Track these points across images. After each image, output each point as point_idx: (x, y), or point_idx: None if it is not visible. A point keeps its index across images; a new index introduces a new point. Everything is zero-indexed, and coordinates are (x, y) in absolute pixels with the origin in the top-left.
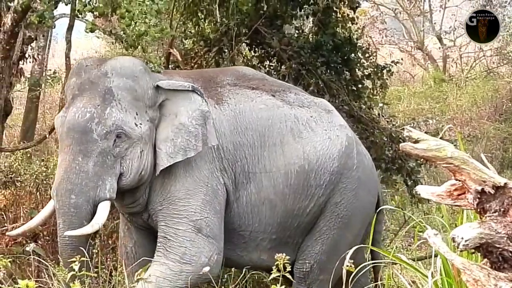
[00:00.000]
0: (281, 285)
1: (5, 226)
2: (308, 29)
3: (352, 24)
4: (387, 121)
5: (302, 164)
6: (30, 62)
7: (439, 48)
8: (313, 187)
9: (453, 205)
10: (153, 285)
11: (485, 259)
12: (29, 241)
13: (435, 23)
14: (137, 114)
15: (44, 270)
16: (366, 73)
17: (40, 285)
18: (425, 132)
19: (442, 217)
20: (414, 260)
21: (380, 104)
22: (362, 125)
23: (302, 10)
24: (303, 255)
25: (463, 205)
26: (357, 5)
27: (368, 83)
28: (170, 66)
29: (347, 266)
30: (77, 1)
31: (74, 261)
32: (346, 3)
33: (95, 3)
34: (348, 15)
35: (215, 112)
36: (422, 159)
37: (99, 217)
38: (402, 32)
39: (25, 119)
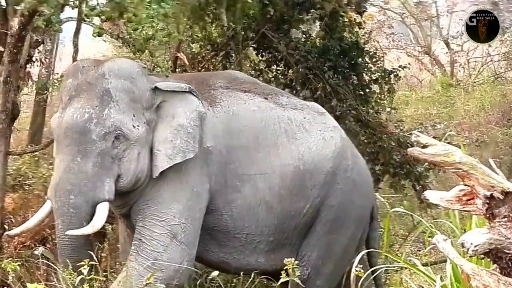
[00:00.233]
0: None
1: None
2: (315, 34)
3: (359, 28)
4: (395, 126)
5: (297, 165)
6: (37, 65)
7: (447, 53)
8: (308, 188)
9: (462, 210)
10: None
11: (495, 265)
12: (37, 245)
13: (442, 28)
14: (134, 116)
15: (52, 273)
16: (374, 78)
17: None
18: (433, 137)
19: (451, 222)
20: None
21: (388, 109)
22: (369, 129)
23: (309, 15)
24: (302, 261)
25: (472, 210)
26: (364, 9)
27: (375, 87)
28: (177, 70)
29: (356, 271)
30: (84, 5)
31: (81, 264)
32: (353, 7)
33: (102, 7)
34: (355, 19)
35: (208, 114)
36: (430, 164)
37: (99, 218)
38: (409, 37)
39: (32, 122)
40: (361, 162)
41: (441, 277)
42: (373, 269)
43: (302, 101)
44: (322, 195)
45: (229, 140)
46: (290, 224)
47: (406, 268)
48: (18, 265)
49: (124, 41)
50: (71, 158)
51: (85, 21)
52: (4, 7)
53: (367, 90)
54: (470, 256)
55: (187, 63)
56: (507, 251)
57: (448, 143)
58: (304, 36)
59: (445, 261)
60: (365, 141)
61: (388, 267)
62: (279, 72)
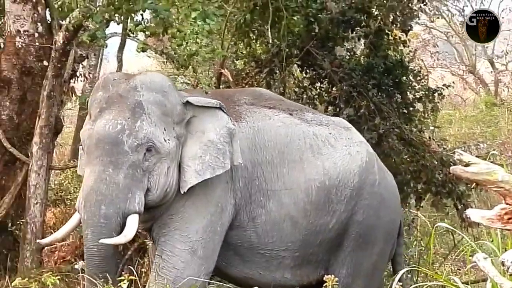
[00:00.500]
0: None
1: (55, 244)
2: (359, 51)
3: (404, 47)
4: (438, 145)
5: (323, 180)
6: (81, 80)
7: (491, 72)
8: (334, 203)
9: (503, 229)
10: None
11: None
12: (77, 259)
13: (487, 47)
14: (165, 130)
15: None
16: (418, 96)
17: None
18: (476, 156)
19: (492, 241)
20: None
21: (431, 127)
22: (412, 148)
23: (354, 32)
24: None
25: None
26: (409, 28)
27: (419, 106)
28: (221, 86)
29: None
30: (129, 21)
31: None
32: (398, 25)
33: (147, 23)
34: (400, 37)
35: (236, 129)
36: (472, 183)
37: (131, 229)
38: (454, 56)
39: (75, 137)
40: (388, 177)
41: None
42: (414, 286)
43: (328, 117)
44: (349, 210)
45: (254, 155)
46: (316, 239)
47: (446, 286)
48: (58, 279)
49: (168, 56)
50: (103, 169)
51: (129, 36)
52: (49, 22)
53: (411, 109)
54: (510, 275)
55: (231, 79)
56: None
57: (491, 162)
58: (348, 53)
59: (485, 279)
60: (408, 159)
61: (429, 285)
62: (323, 89)
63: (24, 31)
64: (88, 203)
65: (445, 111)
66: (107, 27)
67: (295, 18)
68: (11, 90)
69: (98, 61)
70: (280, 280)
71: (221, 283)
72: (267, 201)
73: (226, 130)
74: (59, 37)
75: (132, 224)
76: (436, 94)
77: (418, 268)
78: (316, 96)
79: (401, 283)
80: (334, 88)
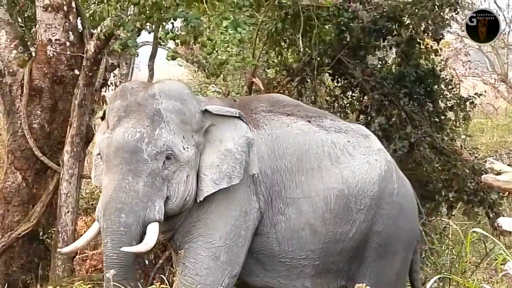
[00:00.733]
0: None
1: (86, 253)
2: (391, 60)
3: (436, 55)
4: (470, 153)
5: (341, 188)
6: (112, 89)
7: None
8: (353, 212)
9: None
10: None
11: None
12: None
13: None
14: (184, 138)
15: None
16: (449, 105)
17: None
18: (508, 165)
19: None
20: None
21: (463, 136)
22: (444, 156)
23: (386, 41)
24: None
25: None
26: (440, 36)
27: (451, 115)
28: (252, 94)
29: None
30: (160, 29)
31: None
32: (430, 34)
33: (177, 31)
34: (431, 46)
35: (254, 138)
36: (504, 191)
37: (151, 237)
38: (485, 65)
39: None
40: (407, 185)
41: None
42: None
43: (347, 124)
44: (368, 220)
45: (273, 162)
46: (336, 248)
47: None
48: (89, 287)
49: (199, 65)
50: (122, 177)
51: (160, 45)
52: (80, 30)
53: (443, 117)
54: None
55: (262, 88)
56: None
57: None
58: (380, 62)
59: None
60: (440, 168)
61: None
62: (354, 98)
63: (56, 40)
64: (108, 211)
65: (477, 120)
66: (139, 35)
67: (326, 26)
68: (43, 99)
69: (129, 70)
70: None
71: None
72: (286, 208)
73: (244, 139)
74: (91, 46)
75: (153, 232)
76: (467, 103)
77: (450, 276)
78: (348, 105)
79: None
80: (365, 97)
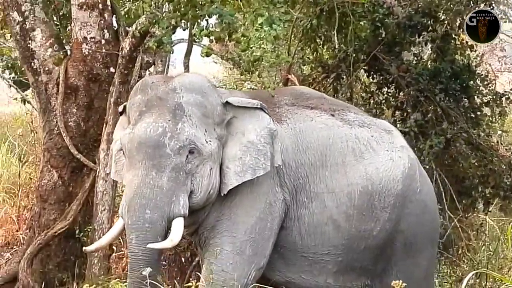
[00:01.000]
0: None
1: (122, 251)
2: (426, 56)
3: (471, 51)
4: (506, 149)
5: (365, 185)
6: None
7: None
8: (378, 209)
9: None
10: None
11: None
12: None
13: None
14: (206, 131)
15: None
16: (485, 101)
17: None
18: None
19: None
20: None
21: (499, 132)
22: (480, 152)
23: (421, 37)
24: None
25: None
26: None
27: (487, 110)
28: None
29: None
30: (195, 26)
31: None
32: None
33: (211, 28)
34: (467, 42)
35: (278, 130)
36: None
37: (177, 233)
38: None
39: None
40: (428, 182)
41: None
42: None
43: (370, 118)
44: (393, 219)
45: (297, 155)
46: (359, 245)
47: None
48: (125, 285)
49: (234, 62)
50: (146, 172)
51: (195, 42)
52: (115, 28)
53: (478, 113)
54: None
55: (298, 84)
56: None
57: None
58: (415, 58)
59: None
60: (476, 164)
61: None
62: (390, 94)
63: (91, 38)
64: (132, 207)
65: None
66: (174, 33)
67: (361, 23)
68: (78, 97)
69: (165, 67)
70: (323, 285)
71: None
72: (310, 202)
73: (267, 131)
74: (126, 44)
75: (178, 228)
76: (503, 99)
77: (487, 271)
78: (383, 101)
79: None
80: (401, 93)
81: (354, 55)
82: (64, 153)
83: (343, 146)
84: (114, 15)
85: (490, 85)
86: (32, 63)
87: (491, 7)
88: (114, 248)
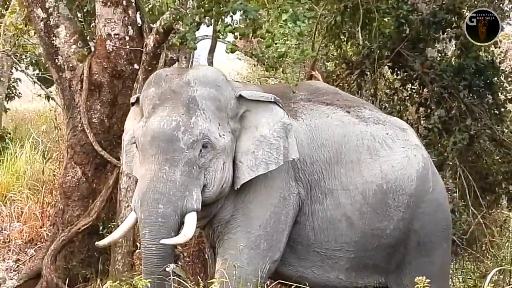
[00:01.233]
0: None
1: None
2: (450, 52)
3: (495, 47)
4: None
5: (380, 183)
6: None
7: None
8: (392, 208)
9: None
10: None
11: None
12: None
13: None
14: (219, 125)
15: None
16: (509, 97)
17: None
18: None
19: None
20: None
21: None
22: (504, 149)
23: (445, 33)
24: None
25: None
26: (500, 29)
27: (511, 107)
28: None
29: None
30: (219, 23)
31: (211, 281)
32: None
33: (236, 24)
34: None
35: (293, 124)
36: None
37: (190, 227)
38: None
39: None
40: (440, 181)
41: None
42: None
43: (385, 115)
44: (407, 218)
45: (312, 151)
46: (372, 242)
47: None
48: (149, 282)
49: (258, 58)
50: (159, 167)
51: (219, 38)
52: (139, 25)
53: (502, 109)
54: None
55: (322, 81)
56: None
57: None
58: (439, 55)
59: None
60: (500, 160)
61: None
62: (414, 90)
63: (115, 34)
64: (145, 202)
65: None
66: (198, 29)
67: (385, 19)
68: (102, 93)
69: (189, 64)
70: (334, 281)
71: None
72: (324, 198)
73: (280, 124)
74: (150, 40)
75: (191, 223)
76: None
77: (510, 268)
78: (407, 97)
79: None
80: (425, 90)
81: (378, 51)
82: (87, 149)
83: (359, 143)
84: (138, 12)
85: None
86: (56, 60)
87: None
88: (138, 244)
